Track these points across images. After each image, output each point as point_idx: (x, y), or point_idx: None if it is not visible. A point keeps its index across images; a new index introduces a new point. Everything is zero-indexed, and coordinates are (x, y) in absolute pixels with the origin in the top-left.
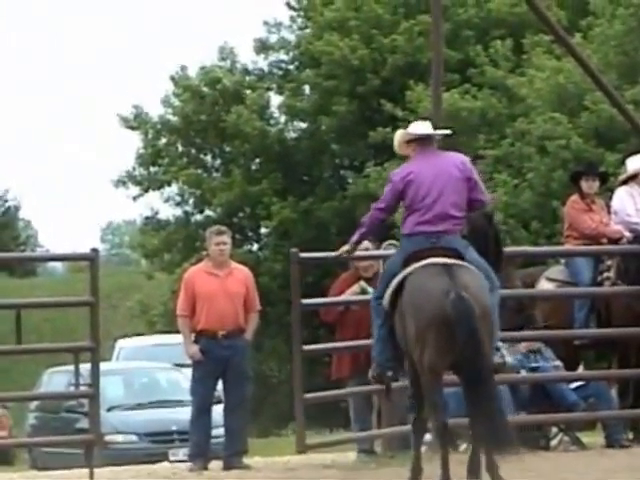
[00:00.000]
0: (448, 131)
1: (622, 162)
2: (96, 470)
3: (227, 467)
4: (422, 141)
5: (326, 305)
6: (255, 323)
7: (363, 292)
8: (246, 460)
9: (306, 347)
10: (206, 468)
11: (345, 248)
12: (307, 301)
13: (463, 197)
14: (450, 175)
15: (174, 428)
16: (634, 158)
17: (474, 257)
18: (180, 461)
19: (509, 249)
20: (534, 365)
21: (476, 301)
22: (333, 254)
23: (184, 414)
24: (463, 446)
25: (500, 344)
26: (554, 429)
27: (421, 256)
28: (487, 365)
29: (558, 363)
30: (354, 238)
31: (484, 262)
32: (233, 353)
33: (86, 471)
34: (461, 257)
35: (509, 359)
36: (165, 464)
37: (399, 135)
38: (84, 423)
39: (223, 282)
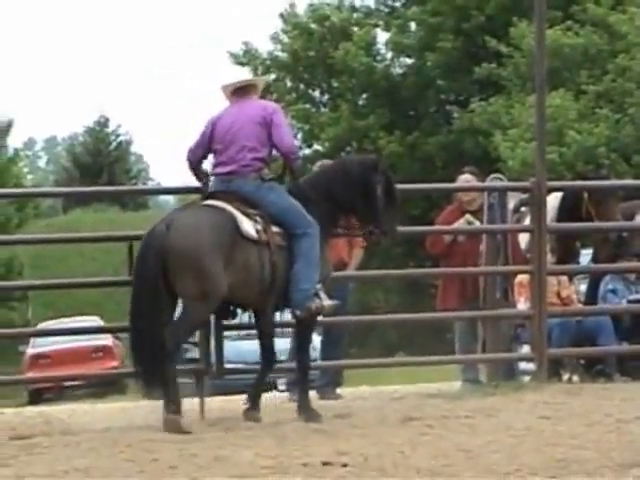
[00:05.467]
0: (264, 78)
1: None
2: (206, 399)
3: (320, 398)
4: (238, 90)
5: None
6: (359, 258)
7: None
8: (352, 389)
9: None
10: None
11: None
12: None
13: (262, 142)
14: (248, 121)
15: (282, 358)
16: None
17: (272, 200)
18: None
19: (612, 182)
20: (635, 297)
21: (176, 238)
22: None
23: (289, 344)
24: (566, 376)
25: (318, 286)
26: None
27: (212, 197)
28: (149, 303)
29: None
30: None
31: (291, 206)
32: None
33: (197, 400)
34: (249, 200)
35: (327, 303)
36: (274, 393)
37: (222, 89)
38: (194, 353)
39: None
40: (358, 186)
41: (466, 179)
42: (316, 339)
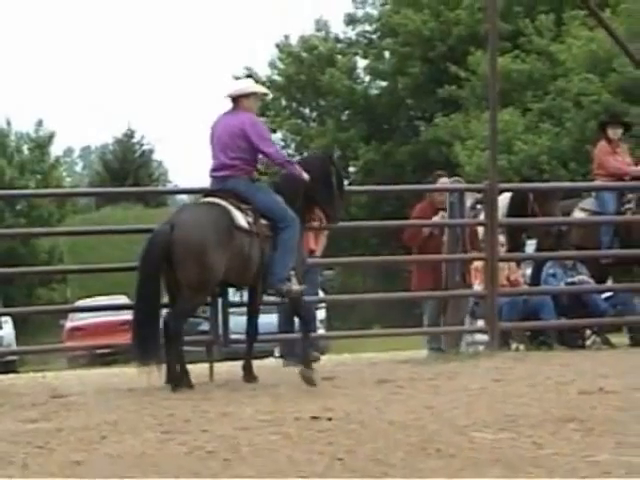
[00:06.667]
0: (260, 89)
1: None
2: (215, 364)
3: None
4: (234, 100)
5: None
6: (324, 245)
7: None
8: (336, 356)
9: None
10: (292, 364)
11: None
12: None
13: (244, 151)
14: (232, 132)
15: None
16: None
17: (260, 197)
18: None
19: (553, 184)
20: (571, 280)
21: (180, 236)
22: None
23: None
24: (514, 345)
25: (292, 273)
26: (588, 332)
27: (211, 195)
28: (150, 289)
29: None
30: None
31: (275, 203)
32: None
33: (207, 365)
34: (241, 197)
35: (296, 287)
36: (271, 359)
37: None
38: (205, 326)
39: None
40: (319, 177)
41: (444, 181)
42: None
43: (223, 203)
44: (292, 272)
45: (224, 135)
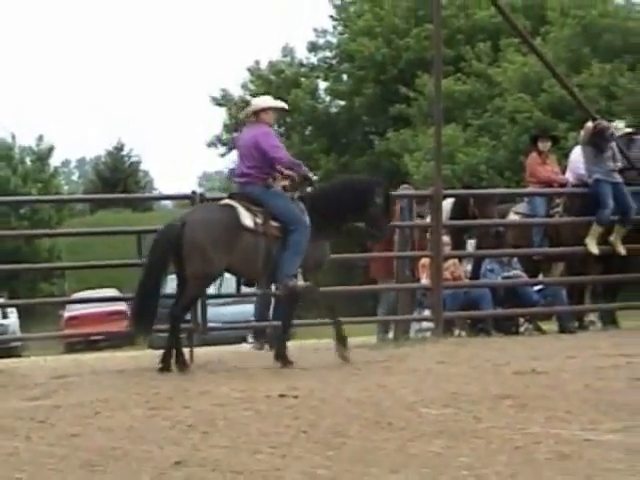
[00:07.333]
0: (279, 104)
1: (570, 129)
2: (195, 349)
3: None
4: (254, 114)
5: None
6: None
7: None
8: (301, 342)
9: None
10: (262, 348)
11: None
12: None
13: (258, 160)
14: (248, 144)
15: (252, 318)
16: (588, 125)
17: (275, 203)
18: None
19: (490, 191)
20: (507, 274)
21: (189, 233)
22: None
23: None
24: (456, 332)
25: (299, 270)
26: (522, 320)
27: (230, 197)
28: (155, 277)
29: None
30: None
31: (287, 208)
32: None
33: (188, 350)
34: (256, 201)
35: (300, 284)
36: (244, 345)
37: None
38: (187, 316)
39: None
40: (365, 198)
41: (405, 187)
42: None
43: (235, 205)
44: (299, 270)
45: (243, 147)
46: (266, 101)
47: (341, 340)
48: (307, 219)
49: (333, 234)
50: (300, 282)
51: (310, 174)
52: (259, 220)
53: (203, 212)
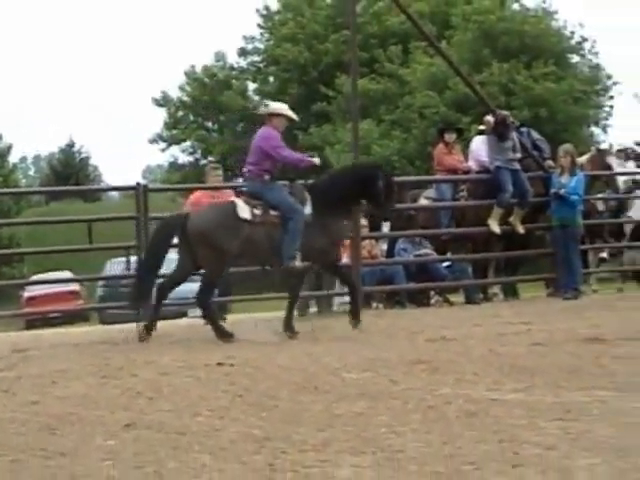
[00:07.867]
0: (291, 114)
1: (473, 122)
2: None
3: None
4: (269, 116)
5: None
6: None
7: None
8: (236, 316)
9: None
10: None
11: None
12: None
13: (262, 158)
14: (254, 142)
15: (191, 295)
16: (487, 118)
17: (271, 195)
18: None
19: (402, 178)
20: (418, 252)
21: (192, 220)
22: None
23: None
24: (374, 305)
25: (297, 253)
26: (432, 293)
27: (238, 194)
28: (153, 260)
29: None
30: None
31: (283, 198)
32: None
33: (135, 324)
34: (255, 194)
35: (299, 264)
36: (185, 319)
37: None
38: None
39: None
40: (367, 181)
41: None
42: None
43: (236, 200)
44: (297, 252)
45: (251, 147)
46: (281, 108)
47: (357, 312)
48: (301, 207)
49: (346, 214)
50: (299, 263)
51: (317, 160)
52: (258, 211)
53: (205, 207)
